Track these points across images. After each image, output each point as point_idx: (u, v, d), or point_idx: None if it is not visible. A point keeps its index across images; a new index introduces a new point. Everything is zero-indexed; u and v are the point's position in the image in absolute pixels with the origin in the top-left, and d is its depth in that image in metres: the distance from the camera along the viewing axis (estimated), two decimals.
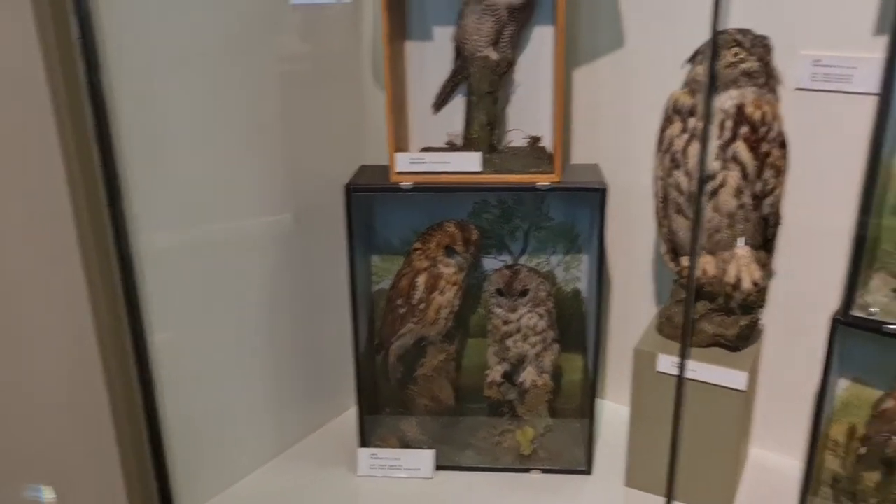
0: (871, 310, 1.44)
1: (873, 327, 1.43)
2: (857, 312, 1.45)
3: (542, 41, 1.71)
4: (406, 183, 1.68)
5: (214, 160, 1.64)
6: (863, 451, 1.60)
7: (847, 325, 1.46)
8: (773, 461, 1.84)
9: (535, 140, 1.76)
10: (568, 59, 1.80)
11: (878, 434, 1.56)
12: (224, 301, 1.73)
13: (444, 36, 1.74)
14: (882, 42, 1.33)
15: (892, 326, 1.41)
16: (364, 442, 1.86)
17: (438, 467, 1.84)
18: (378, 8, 1.59)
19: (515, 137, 1.78)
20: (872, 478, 1.62)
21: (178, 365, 1.63)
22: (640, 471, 1.75)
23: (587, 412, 1.82)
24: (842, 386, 1.63)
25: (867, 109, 1.37)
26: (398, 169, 1.68)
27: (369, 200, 1.83)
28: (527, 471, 1.83)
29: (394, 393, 1.93)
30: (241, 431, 1.84)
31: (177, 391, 1.62)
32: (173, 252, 1.62)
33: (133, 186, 1.47)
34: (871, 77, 1.42)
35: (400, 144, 1.73)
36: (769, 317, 1.77)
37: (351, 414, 1.96)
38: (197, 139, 1.61)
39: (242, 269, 1.76)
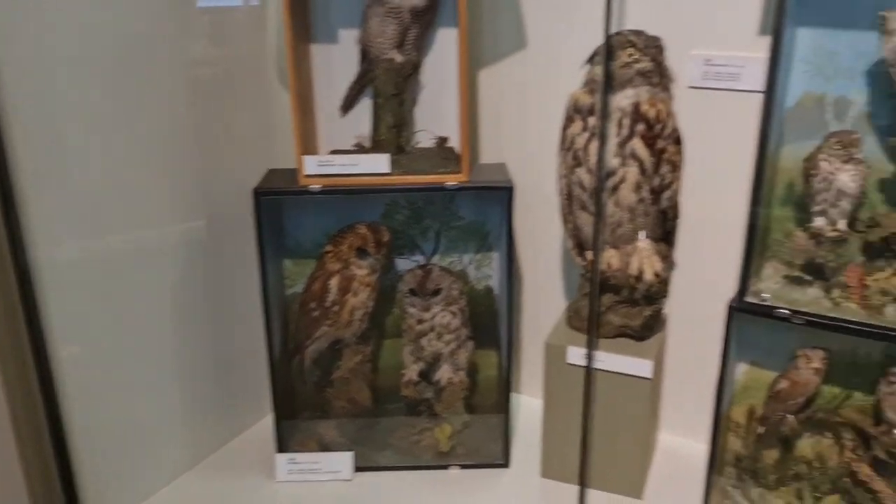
0: (764, 296, 1.52)
1: (766, 312, 1.50)
2: (750, 299, 1.53)
3: (446, 43, 1.74)
4: (315, 186, 1.68)
5: (117, 167, 1.60)
6: (761, 430, 1.68)
7: (741, 312, 1.53)
8: (681, 445, 1.91)
9: (442, 141, 1.79)
10: (472, 60, 1.83)
11: (774, 413, 1.64)
12: (132, 311, 1.69)
13: (349, 38, 1.75)
14: (766, 42, 1.41)
15: (783, 311, 1.49)
16: (282, 447, 1.85)
17: (358, 468, 1.84)
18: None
19: (423, 138, 1.80)
20: (771, 455, 1.70)
21: (85, 379, 1.59)
22: (555, 461, 1.80)
23: (503, 407, 1.85)
24: (741, 370, 1.71)
25: (755, 106, 1.45)
26: (307, 172, 1.68)
27: (279, 204, 1.82)
28: (445, 467, 1.85)
29: (311, 397, 1.92)
30: (155, 444, 1.80)
31: (85, 406, 1.58)
32: (77, 263, 1.58)
33: (30, 197, 1.42)
34: (757, 75, 1.49)
35: (308, 147, 1.72)
36: (672, 306, 1.84)
37: (268, 420, 1.94)
38: (97, 146, 1.56)
39: (151, 278, 1.72)
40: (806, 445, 1.66)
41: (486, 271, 1.90)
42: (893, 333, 1.42)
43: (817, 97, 1.52)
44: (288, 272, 1.89)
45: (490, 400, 1.95)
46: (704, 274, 1.78)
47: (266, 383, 1.81)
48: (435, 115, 1.79)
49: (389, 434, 1.92)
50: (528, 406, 2.07)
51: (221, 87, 1.79)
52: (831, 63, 1.49)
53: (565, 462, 1.76)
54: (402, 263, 1.89)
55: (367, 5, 1.68)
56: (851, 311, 1.47)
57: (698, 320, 1.80)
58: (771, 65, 1.40)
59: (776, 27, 1.38)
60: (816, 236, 1.51)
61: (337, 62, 1.76)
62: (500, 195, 1.70)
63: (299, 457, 1.83)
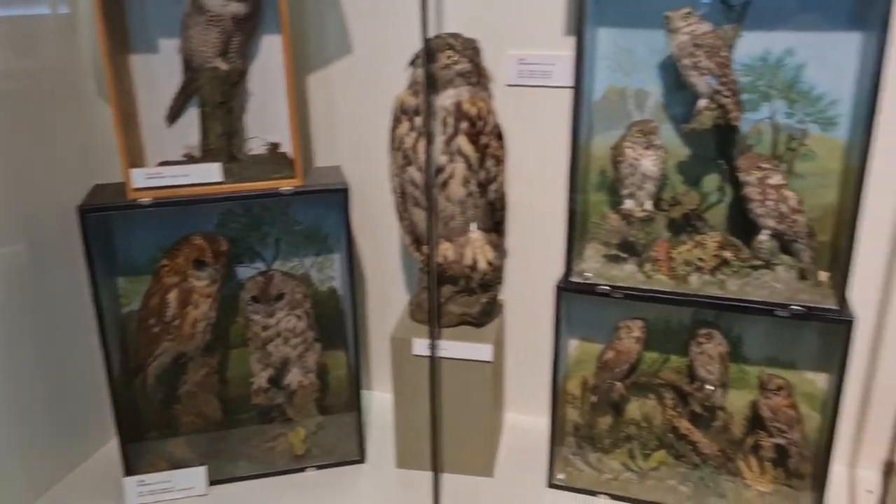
0: (587, 275, 1.65)
1: (588, 290, 1.63)
2: (575, 279, 1.65)
3: (271, 49, 1.74)
4: (145, 199, 1.64)
5: None
6: (594, 399, 1.82)
7: (568, 291, 1.65)
8: (526, 422, 2.02)
9: (274, 147, 1.79)
10: (299, 65, 1.85)
11: (604, 382, 1.78)
12: None
13: (170, 48, 1.71)
14: (572, 42, 1.53)
15: (604, 287, 1.62)
16: (130, 470, 1.79)
17: (212, 482, 1.82)
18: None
19: (255, 145, 1.80)
20: (605, 421, 1.85)
21: None
22: (409, 451, 1.86)
23: (355, 405, 1.89)
24: (573, 346, 1.84)
25: (566, 100, 1.57)
26: (135, 185, 1.64)
27: (107, 221, 1.76)
28: (302, 470, 1.86)
29: (157, 415, 1.87)
30: None
31: None
32: None
33: None
34: (566, 72, 1.61)
35: (134, 160, 1.68)
36: (507, 292, 1.95)
37: (114, 444, 1.87)
38: None
39: None
40: (634, 408, 1.82)
41: (329, 273, 1.92)
42: (698, 299, 1.58)
43: (619, 90, 1.66)
44: (122, 290, 1.82)
45: (342, 399, 1.98)
46: (534, 259, 1.90)
47: (108, 406, 1.74)
48: (266, 122, 1.79)
49: (243, 444, 1.90)
50: (380, 402, 2.11)
51: (32, 101, 1.70)
52: (629, 59, 1.63)
53: (418, 451, 1.82)
54: (243, 272, 1.88)
55: (186, 14, 1.66)
56: (662, 282, 1.62)
57: (532, 303, 1.92)
58: (577, 62, 1.52)
59: (578, 28, 1.50)
60: (627, 217, 1.66)
61: (159, 72, 1.72)
62: (336, 197, 1.73)
63: (149, 478, 1.78)
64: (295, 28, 1.78)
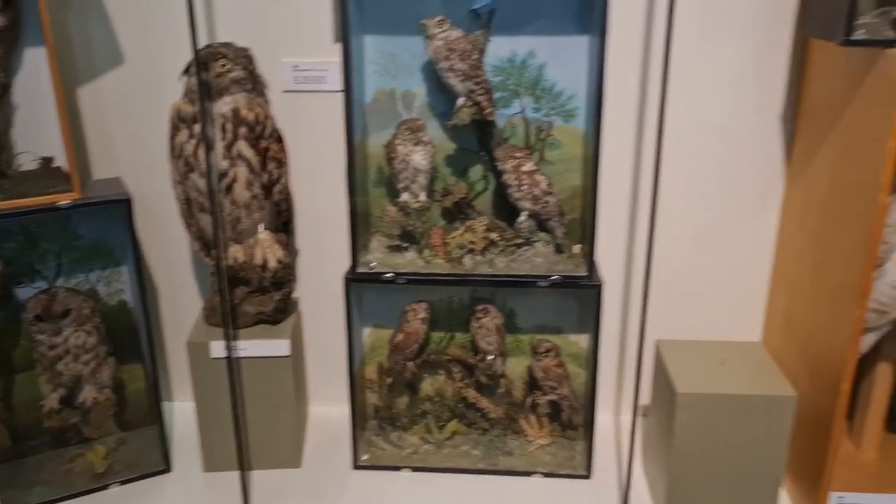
0: (371, 265, 1.77)
1: (374, 279, 1.76)
2: (361, 269, 1.76)
3: (37, 62, 1.70)
4: None
5: None
6: (389, 381, 1.95)
7: (355, 281, 1.77)
8: (330, 412, 2.11)
9: (47, 161, 1.75)
10: (68, 78, 1.82)
11: (397, 364, 1.91)
12: None
13: None
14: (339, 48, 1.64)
15: (388, 275, 1.75)
16: None
17: None
18: None
19: (26, 161, 1.74)
20: (403, 401, 1.98)
21: None
22: (215, 453, 1.88)
23: (156, 416, 1.88)
24: (367, 333, 1.96)
25: (341, 103, 1.68)
26: None
27: None
28: (105, 487, 1.83)
29: None
30: None
31: None
32: None
33: None
34: (338, 77, 1.71)
35: None
36: (303, 288, 2.03)
37: None
38: None
39: None
40: (427, 385, 1.97)
41: (118, 286, 1.90)
42: (471, 278, 1.75)
43: (388, 92, 1.80)
44: None
45: (142, 412, 1.96)
46: (325, 255, 1.99)
47: None
48: (36, 137, 1.74)
49: (37, 470, 1.84)
50: (184, 411, 2.11)
51: None
52: (394, 63, 1.77)
53: (224, 452, 1.85)
54: (24, 292, 1.82)
55: None
56: (439, 265, 1.78)
57: (325, 297, 2.00)
58: (344, 68, 1.63)
59: (343, 36, 1.61)
60: (404, 209, 1.80)
61: None
62: (118, 209, 1.72)
63: None
64: (60, 40, 1.75)
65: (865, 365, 1.86)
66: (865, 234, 1.46)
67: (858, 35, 1.42)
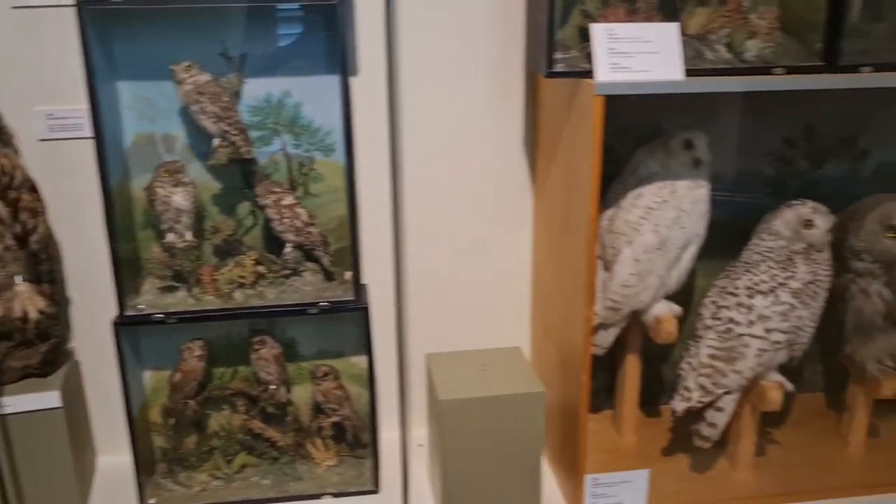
0: (140, 307, 1.78)
1: (144, 321, 1.77)
2: (130, 312, 1.77)
3: None
4: None
5: None
6: (173, 421, 1.95)
7: (124, 325, 1.77)
8: (118, 461, 2.03)
9: None
10: None
11: (178, 403, 1.92)
12: None
13: None
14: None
15: (157, 316, 1.77)
16: None
17: None
18: None
19: None
20: (191, 441, 1.99)
21: None
22: None
23: None
24: (147, 376, 1.95)
25: None
26: None
27: None
28: None
29: None
30: None
31: None
32: None
33: None
34: None
35: None
36: (79, 337, 1.98)
37: None
38: None
39: None
40: (213, 421, 1.99)
41: None
42: (242, 311, 1.81)
43: (148, 136, 1.83)
44: None
45: None
46: (98, 301, 1.94)
47: None
48: None
49: None
50: None
51: None
52: (151, 108, 1.81)
53: None
54: None
55: None
56: (210, 301, 1.81)
57: (101, 344, 1.94)
58: (93, 114, 1.65)
59: (89, 82, 1.63)
60: (170, 249, 1.82)
61: None
62: None
63: None
64: None
65: (617, 358, 2.09)
66: (585, 241, 1.66)
67: (559, 68, 1.63)
